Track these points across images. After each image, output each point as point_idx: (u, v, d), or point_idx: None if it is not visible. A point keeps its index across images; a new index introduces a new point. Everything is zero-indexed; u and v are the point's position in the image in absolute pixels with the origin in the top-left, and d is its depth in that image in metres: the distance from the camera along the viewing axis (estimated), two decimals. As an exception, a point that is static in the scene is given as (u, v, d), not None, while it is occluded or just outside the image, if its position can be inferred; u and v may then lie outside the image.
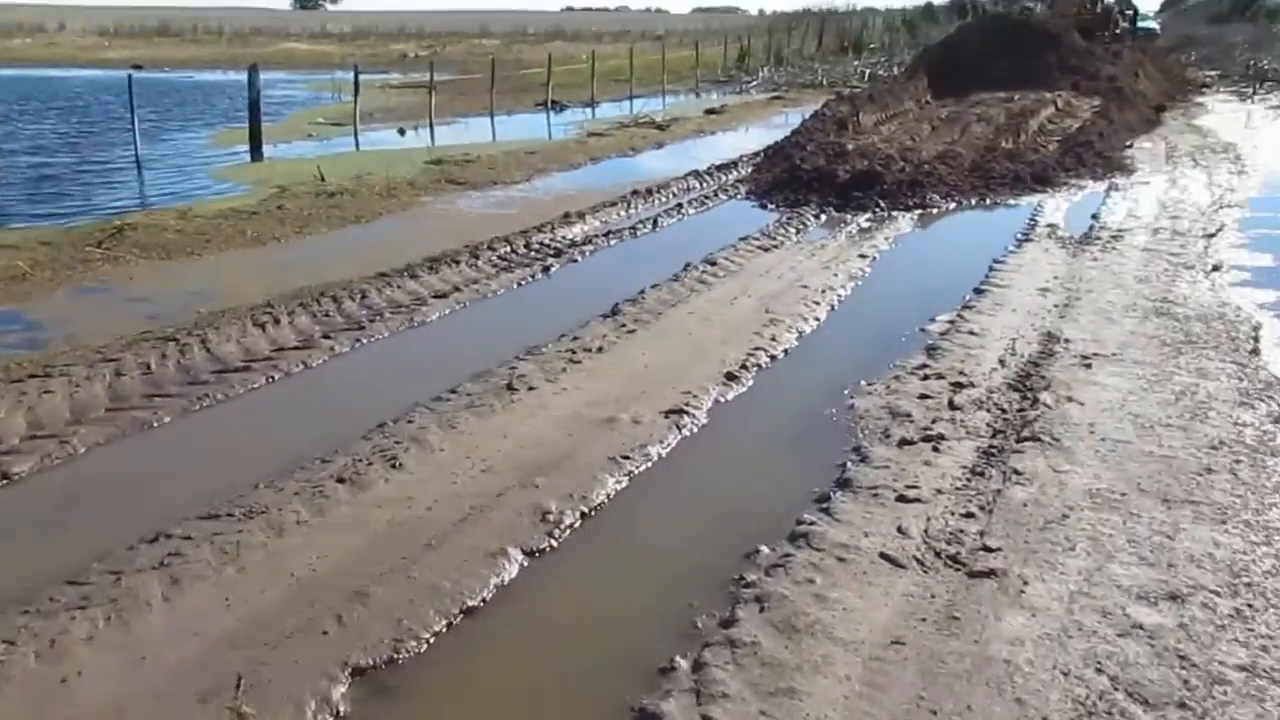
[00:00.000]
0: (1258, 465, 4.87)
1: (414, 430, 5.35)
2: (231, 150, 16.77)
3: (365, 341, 7.01)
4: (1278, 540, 4.17)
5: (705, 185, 13.21)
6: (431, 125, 20.40)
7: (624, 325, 7.24)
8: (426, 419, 5.50)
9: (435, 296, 8.03)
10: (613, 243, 10.02)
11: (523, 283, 8.62)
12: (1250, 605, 3.66)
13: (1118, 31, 29.47)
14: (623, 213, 11.45)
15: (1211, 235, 9.99)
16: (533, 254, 9.48)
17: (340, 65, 38.46)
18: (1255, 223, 10.60)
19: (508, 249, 9.57)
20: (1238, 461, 4.90)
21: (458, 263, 9.01)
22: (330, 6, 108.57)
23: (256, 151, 15.97)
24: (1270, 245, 9.53)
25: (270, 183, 13.15)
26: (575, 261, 9.35)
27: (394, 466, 4.91)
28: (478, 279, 8.61)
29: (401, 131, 19.96)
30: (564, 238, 10.09)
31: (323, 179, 13.40)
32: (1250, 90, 26.32)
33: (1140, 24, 33.43)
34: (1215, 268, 8.68)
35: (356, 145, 17.81)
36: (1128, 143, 16.27)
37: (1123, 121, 17.69)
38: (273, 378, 6.26)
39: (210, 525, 4.34)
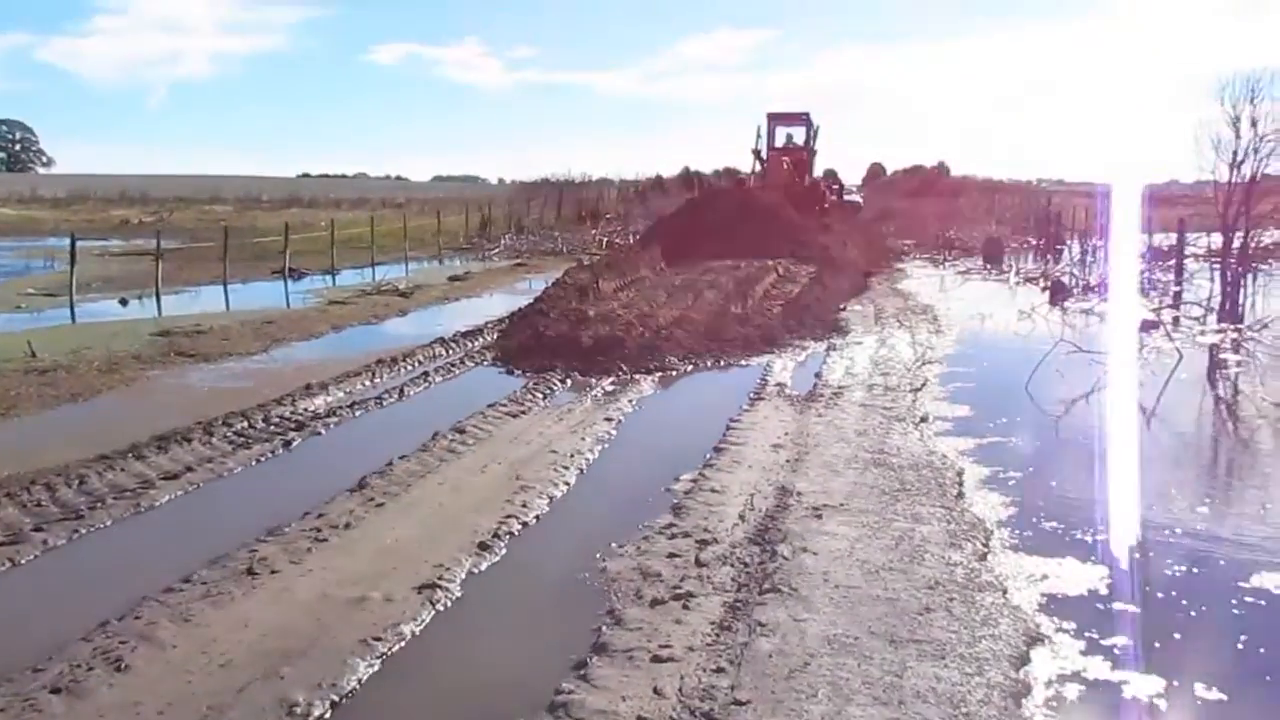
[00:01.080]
0: (968, 601, 5.38)
1: (142, 627, 4.98)
2: (-78, 325, 15.30)
3: (84, 532, 6.51)
4: (989, 670, 4.59)
5: (452, 352, 13.31)
6: (158, 294, 19.50)
7: (372, 499, 7.10)
8: (156, 613, 5.14)
9: (165, 478, 7.58)
10: (358, 414, 9.86)
11: (262, 459, 8.31)
12: (971, 733, 3.99)
13: (826, 205, 32.30)
14: (368, 382, 11.33)
15: (918, 390, 11.00)
16: (272, 428, 9.17)
17: (54, 232, 36.21)
18: (952, 377, 11.79)
19: (245, 424, 9.21)
20: (951, 599, 5.39)
21: (190, 440, 8.58)
22: (41, 170, 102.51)
23: (-46, 326, 14.63)
24: (966, 397, 10.60)
25: (-30, 360, 12.06)
26: (319, 434, 9.13)
27: (119, 669, 4.54)
28: (212, 457, 8.22)
29: (124, 302, 18.96)
30: (306, 410, 9.86)
31: (34, 355, 12.47)
32: (941, 257, 29.74)
33: (846, 198, 37.19)
34: (923, 419, 9.53)
35: (73, 317, 16.75)
36: (842, 306, 17.88)
37: (836, 287, 19.55)
38: (-28, 580, 5.65)
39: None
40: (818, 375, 11.89)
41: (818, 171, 34.90)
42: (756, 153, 32.53)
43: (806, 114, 34.22)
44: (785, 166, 31.99)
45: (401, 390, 10.84)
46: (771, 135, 33.59)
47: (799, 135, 34.08)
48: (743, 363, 12.87)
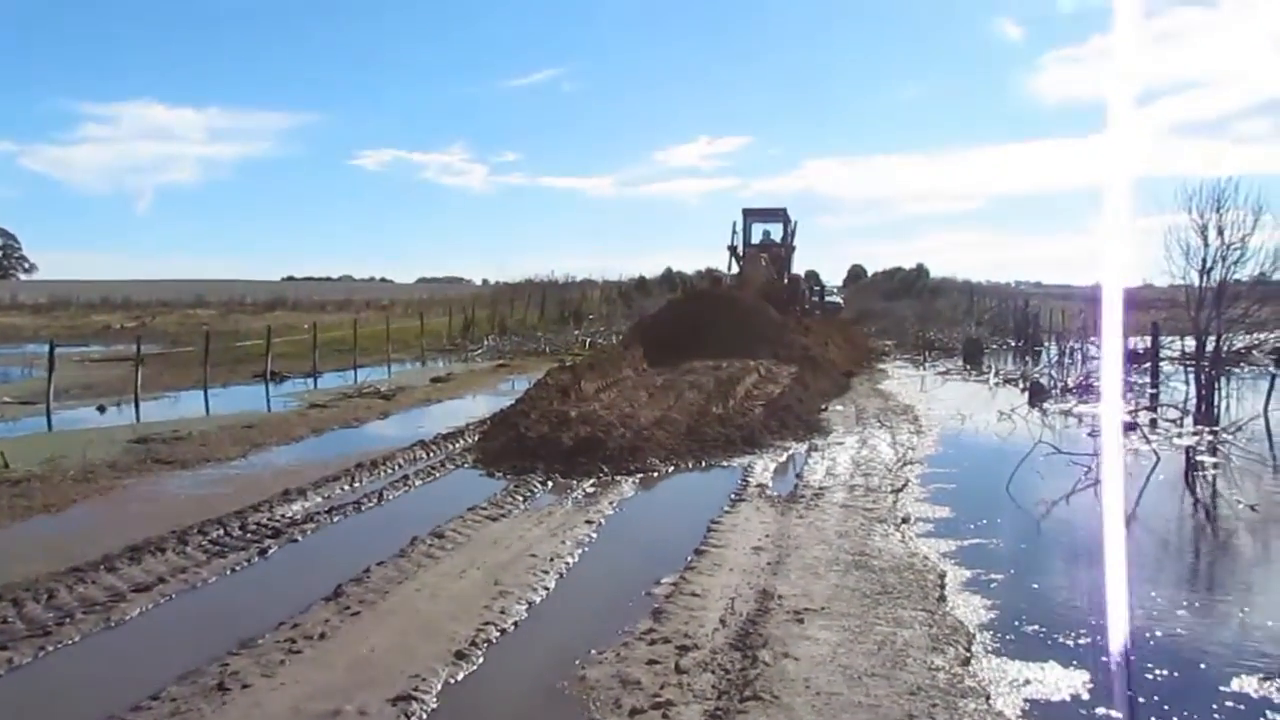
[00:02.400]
0: (951, 707, 5.34)
1: (108, 744, 4.85)
2: (-105, 434, 15.17)
3: (51, 649, 6.36)
4: (972, 778, 4.53)
5: (432, 455, 13.25)
6: (137, 401, 19.43)
7: (348, 607, 7.02)
8: (124, 730, 5.02)
9: (136, 590, 7.46)
10: (336, 519, 9.79)
11: (237, 568, 8.21)
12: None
13: (807, 306, 32.47)
14: (346, 487, 11.25)
15: (899, 490, 11.00)
16: (249, 536, 9.08)
17: (33, 338, 36.21)
18: (933, 477, 11.81)
19: (220, 532, 9.11)
20: (934, 705, 5.35)
21: (163, 550, 8.47)
22: (23, 276, 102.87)
23: (-73, 435, 14.52)
24: (947, 498, 10.61)
25: (-58, 471, 11.94)
26: (295, 541, 9.03)
27: (83, 789, 4.40)
28: (186, 567, 8.11)
29: (102, 409, 18.88)
30: (283, 516, 9.78)
31: (6, 465, 12.38)
32: (921, 358, 30.03)
33: (827, 299, 37.34)
34: (904, 520, 9.53)
35: (49, 425, 16.65)
36: (823, 406, 17.94)
37: (818, 387, 19.60)
38: (-65, 697, 5.52)
39: None
40: (799, 476, 11.90)
41: (798, 269, 34.82)
42: (733, 249, 32.07)
43: (784, 210, 34.03)
44: (763, 263, 31.66)
45: (381, 494, 10.77)
46: (748, 231, 33.32)
47: (776, 232, 33.78)
48: (724, 463, 12.86)
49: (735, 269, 31.88)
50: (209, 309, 56.68)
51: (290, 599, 7.19)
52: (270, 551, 8.69)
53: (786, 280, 32.01)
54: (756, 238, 33.53)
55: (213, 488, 11.43)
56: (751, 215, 33.83)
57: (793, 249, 33.32)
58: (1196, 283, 17.77)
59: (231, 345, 27.97)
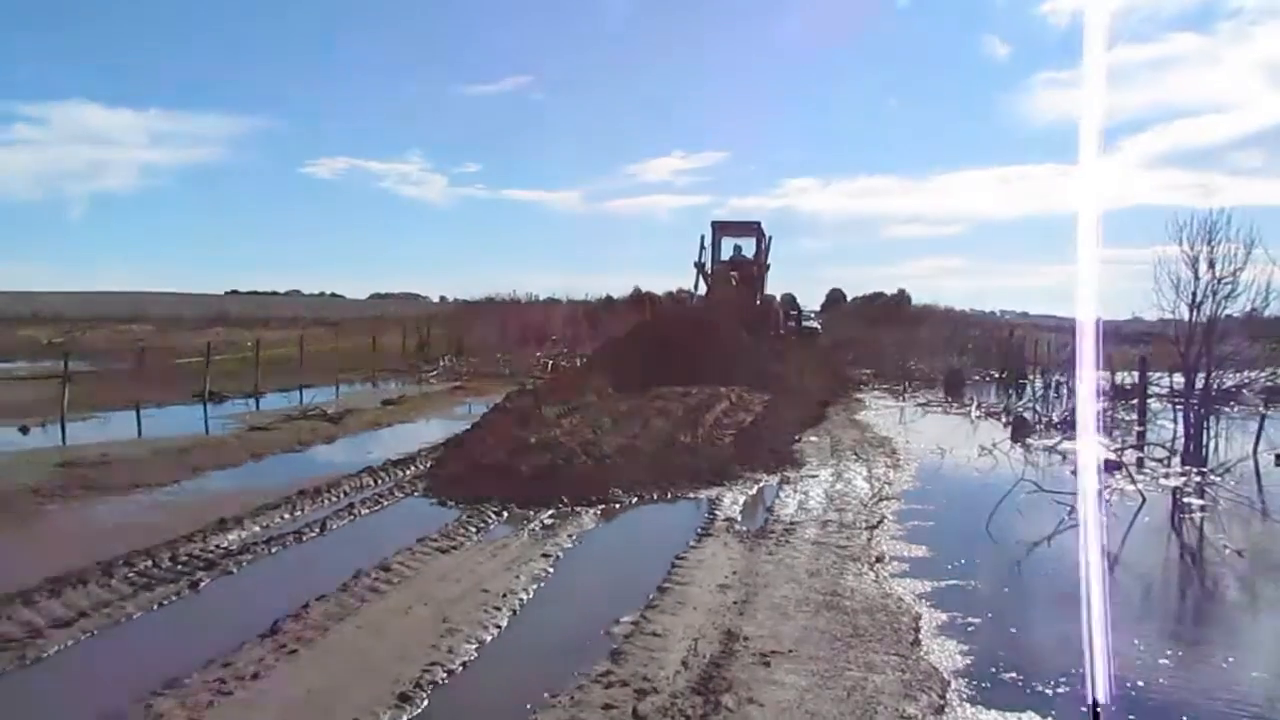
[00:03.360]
0: (922, 757, 5.31)
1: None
2: None
3: (-41, 688, 6.20)
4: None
5: (380, 482, 13.15)
6: (64, 422, 19.11)
7: (284, 645, 6.92)
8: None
9: (55, 626, 7.31)
10: (275, 550, 9.69)
11: (166, 602, 8.08)
12: None
13: (782, 331, 31.37)
14: (287, 516, 11.15)
15: (874, 527, 11.00)
16: (179, 568, 8.95)
17: (-47, 353, 35.65)
18: (910, 514, 11.82)
19: (149, 563, 8.97)
20: (905, 755, 5.33)
21: (86, 583, 8.32)
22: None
23: None
24: (924, 536, 10.61)
25: None
26: (230, 574, 8.92)
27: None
28: (110, 601, 7.96)
29: (25, 430, 18.57)
30: (218, 547, 9.65)
31: (-81, 486, 12.11)
32: (901, 388, 30.11)
33: (804, 323, 35.94)
34: (878, 559, 9.54)
35: (-35, 447, 16.33)
36: (797, 436, 17.94)
37: (791, 416, 19.62)
38: None
39: None
40: (769, 510, 11.90)
41: (774, 291, 33.32)
42: (700, 266, 30.30)
43: (758, 224, 32.37)
44: (733, 282, 30.14)
45: (324, 524, 10.66)
46: (717, 247, 31.61)
47: (749, 247, 32.01)
48: (691, 495, 12.84)
49: (703, 288, 30.54)
50: (145, 324, 56.01)
51: (222, 636, 7.08)
52: (202, 585, 8.56)
53: (759, 302, 30.68)
54: (727, 253, 31.97)
55: (143, 515, 11.26)
56: (722, 229, 32.19)
57: (767, 267, 31.77)
58: (1186, 317, 17.99)
59: (168, 363, 27.65)
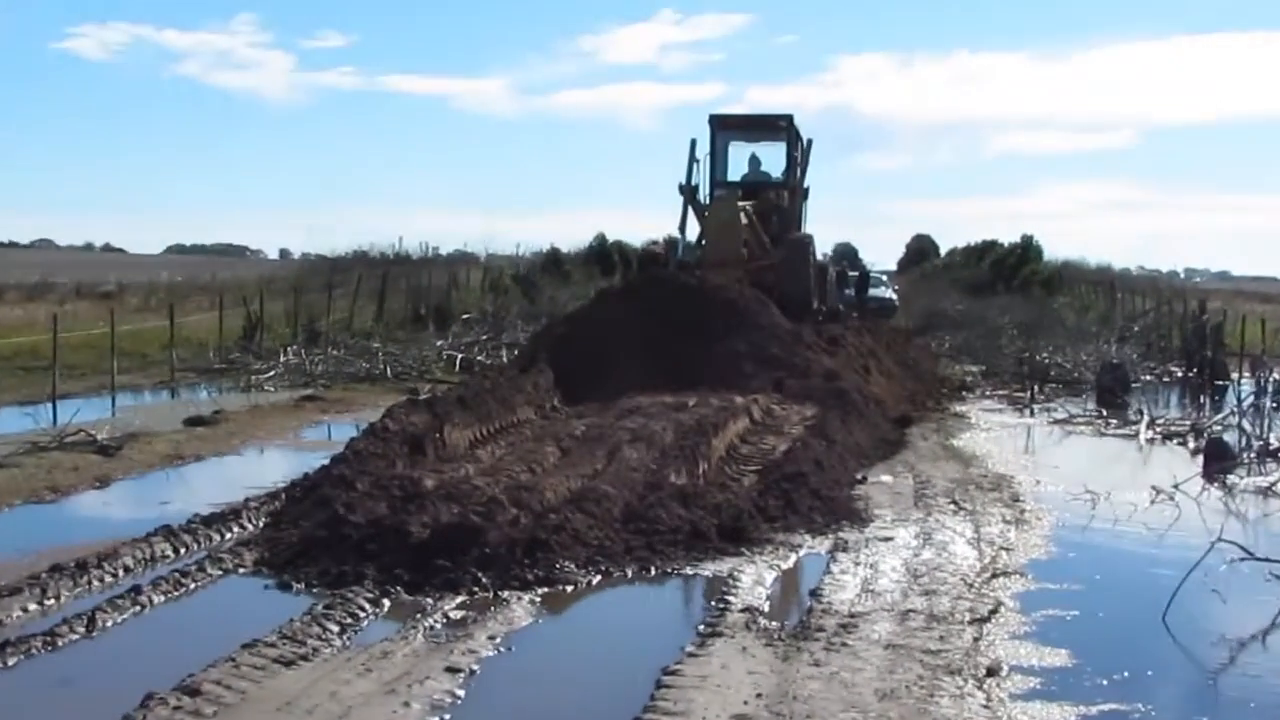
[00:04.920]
0: None
1: None
2: None
3: None
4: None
5: (186, 551, 11.00)
6: None
7: None
8: None
9: None
10: (11, 662, 7.91)
11: None
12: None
13: (836, 305, 25.56)
14: (33, 607, 9.12)
15: (984, 620, 9.02)
16: None
17: None
18: (1042, 598, 9.79)
19: None
20: None
21: None
22: None
23: None
24: (1064, 633, 8.73)
25: None
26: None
27: None
28: None
29: None
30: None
31: None
32: (1027, 394, 25.14)
33: (871, 292, 30.24)
34: (990, 672, 7.95)
35: None
36: (859, 475, 15.09)
37: (850, 442, 16.37)
38: None
39: None
40: (814, 594, 9.81)
41: (818, 236, 26.34)
42: (690, 192, 23.28)
43: (788, 118, 24.70)
44: (744, 219, 22.65)
45: (93, 619, 8.64)
46: (720, 157, 24.49)
47: (774, 159, 24.75)
48: (688, 570, 10.70)
49: (694, 231, 23.68)
50: None
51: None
52: None
53: (793, 254, 23.38)
54: (737, 170, 24.91)
55: None
56: (726, 127, 24.78)
57: (805, 194, 24.96)
58: None
59: None
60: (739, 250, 22.18)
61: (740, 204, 22.98)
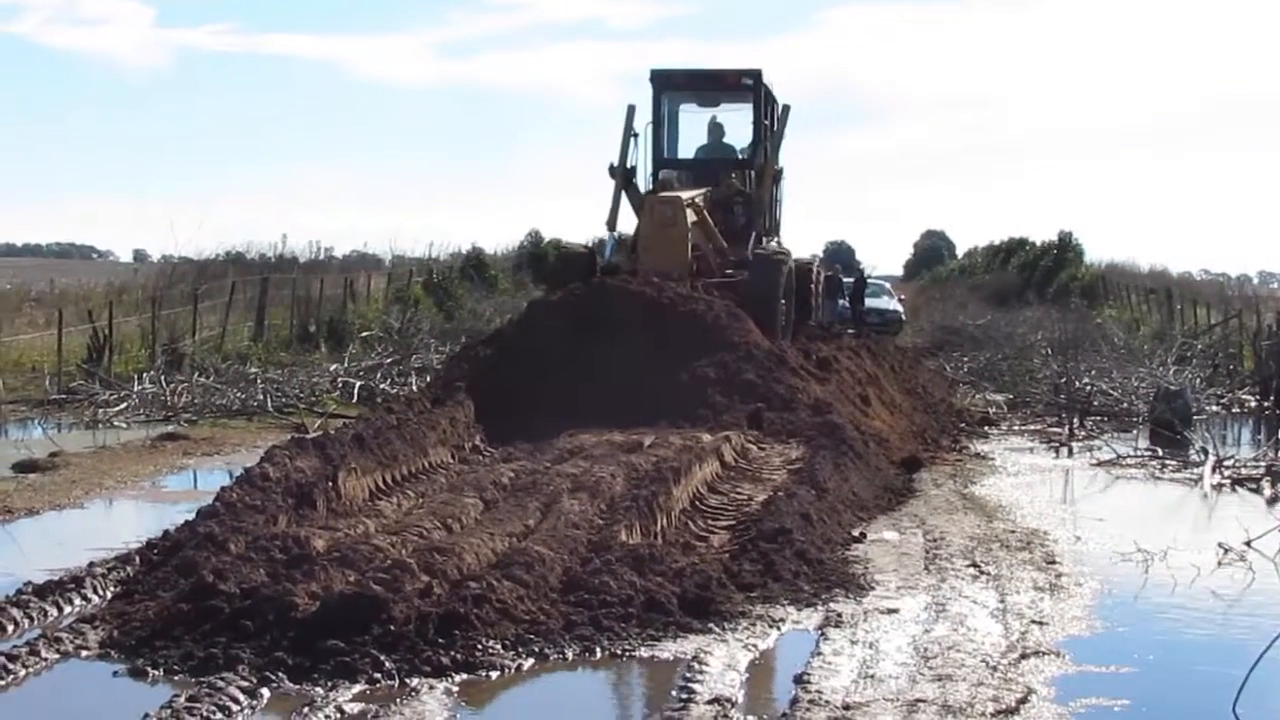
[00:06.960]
0: None
1: None
2: None
3: None
4: None
5: (15, 628, 9.92)
6: None
7: None
8: None
9: None
10: None
11: None
12: None
13: (824, 318, 23.60)
14: None
15: (1010, 712, 8.36)
16: None
17: None
18: (1084, 685, 8.79)
19: None
20: None
21: None
22: None
23: None
24: None
25: None
26: None
27: None
28: None
29: None
30: None
31: None
32: (1064, 430, 23.18)
33: (870, 304, 29.28)
34: None
35: None
36: (856, 531, 13.99)
37: (845, 491, 15.18)
38: None
39: None
40: (799, 681, 8.84)
41: (794, 228, 25.37)
42: (624, 175, 19.87)
43: (755, 74, 20.98)
44: (692, 217, 19.04)
45: None
46: (664, 127, 20.72)
47: (739, 126, 21.21)
48: (643, 651, 9.64)
49: (626, 224, 20.41)
50: None
51: None
52: None
53: (754, 248, 20.20)
54: (690, 145, 21.46)
55: None
56: (673, 86, 21.10)
57: (778, 174, 21.78)
58: None
59: None
60: (685, 259, 18.99)
61: (688, 196, 19.46)
